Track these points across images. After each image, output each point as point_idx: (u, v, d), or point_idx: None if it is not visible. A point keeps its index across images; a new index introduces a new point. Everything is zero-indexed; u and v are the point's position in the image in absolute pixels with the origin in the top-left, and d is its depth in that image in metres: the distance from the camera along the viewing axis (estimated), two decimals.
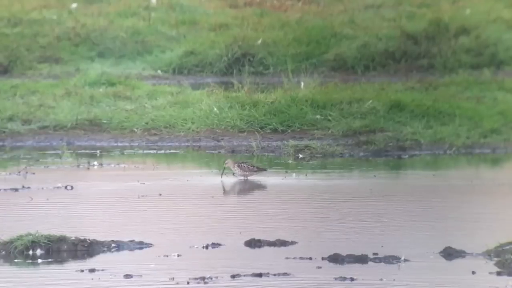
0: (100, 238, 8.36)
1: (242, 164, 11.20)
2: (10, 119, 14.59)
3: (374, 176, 11.77)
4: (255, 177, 11.54)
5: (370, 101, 14.57)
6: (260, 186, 11.19)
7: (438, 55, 19.96)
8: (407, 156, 13.41)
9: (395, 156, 13.41)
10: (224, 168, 11.26)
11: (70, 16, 20.57)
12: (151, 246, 8.33)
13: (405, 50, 20.00)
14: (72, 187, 10.89)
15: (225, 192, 10.97)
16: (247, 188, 11.13)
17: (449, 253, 8.10)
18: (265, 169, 11.38)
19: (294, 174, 11.80)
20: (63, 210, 9.88)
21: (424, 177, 11.92)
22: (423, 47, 20.04)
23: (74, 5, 21.24)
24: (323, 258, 7.92)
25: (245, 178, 11.28)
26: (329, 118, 14.30)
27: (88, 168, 12.30)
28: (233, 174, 11.25)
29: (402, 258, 7.91)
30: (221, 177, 11.27)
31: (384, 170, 12.42)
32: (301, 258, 7.96)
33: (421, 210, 9.84)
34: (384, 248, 8.17)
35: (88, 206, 10.14)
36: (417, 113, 14.43)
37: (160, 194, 10.63)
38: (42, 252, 8.08)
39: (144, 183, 11.19)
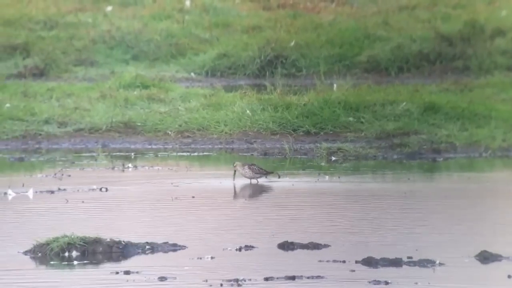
0: (134, 240, 8.40)
1: (253, 166, 11.11)
2: (46, 121, 14.69)
3: (408, 179, 11.64)
4: (288, 180, 11.53)
5: (404, 103, 14.43)
6: (292, 189, 11.16)
7: (473, 56, 19.67)
8: (441, 159, 13.25)
9: (430, 158, 13.25)
10: (235, 171, 11.22)
11: (105, 19, 20.72)
12: (184, 248, 8.38)
13: (440, 51, 19.76)
14: (106, 189, 10.95)
15: (257, 194, 10.98)
16: (280, 190, 11.11)
17: (485, 257, 8.01)
18: (272, 172, 11.27)
19: (327, 177, 11.74)
20: (98, 212, 9.95)
21: (459, 180, 11.80)
22: (458, 49, 19.77)
23: (109, 8, 21.39)
24: (356, 262, 7.87)
25: (256, 180, 11.20)
26: (362, 120, 14.21)
27: (123, 170, 12.36)
28: (244, 176, 11.19)
29: (437, 262, 7.82)
30: (234, 179, 11.23)
31: (418, 173, 12.28)
32: (334, 261, 7.92)
33: (456, 213, 9.74)
34: (419, 252, 8.09)
35: (122, 208, 10.19)
36: (452, 115, 14.26)
37: (193, 197, 10.65)
38: (78, 254, 8.14)
39: (177, 186, 11.22)
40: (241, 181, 11.53)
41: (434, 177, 12.18)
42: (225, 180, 11.58)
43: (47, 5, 21.35)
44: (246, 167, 11.15)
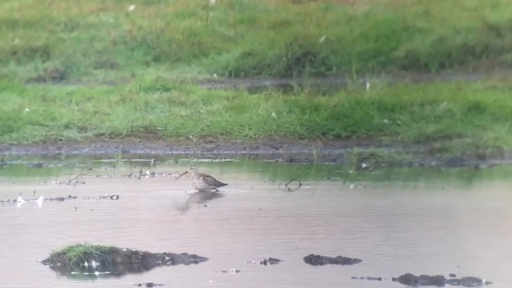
0: (150, 250, 7.91)
1: (208, 178, 10.71)
2: (66, 126, 14.21)
3: (442, 188, 10.66)
4: (310, 188, 10.78)
5: (445, 103, 13.24)
6: (317, 199, 10.43)
7: None
8: (485, 165, 12.02)
9: (472, 165, 12.03)
10: (186, 173, 10.65)
11: (127, 19, 20.20)
12: (206, 260, 7.89)
13: (487, 44, 17.79)
14: (117, 197, 10.50)
15: (277, 204, 10.26)
16: (304, 201, 10.40)
17: None
18: (226, 184, 10.74)
19: (351, 186, 10.84)
20: (106, 220, 9.49)
21: (504, 189, 10.86)
22: (507, 41, 17.80)
23: (131, 7, 20.88)
24: (393, 279, 7.19)
25: (204, 191, 10.70)
26: (399, 122, 13.10)
27: (139, 178, 11.85)
28: (194, 184, 10.65)
29: (484, 281, 7.11)
30: (177, 178, 10.69)
31: (457, 182, 11.32)
32: (369, 278, 7.25)
33: (503, 227, 8.89)
34: (462, 269, 7.36)
35: (131, 216, 9.71)
36: (500, 115, 12.99)
37: (205, 205, 10.16)
38: (98, 264, 7.78)
39: (191, 194, 10.69)
40: (265, 191, 10.85)
41: (474, 187, 11.20)
42: (246, 189, 10.88)
43: (69, 5, 20.85)
44: (201, 178, 10.72)
